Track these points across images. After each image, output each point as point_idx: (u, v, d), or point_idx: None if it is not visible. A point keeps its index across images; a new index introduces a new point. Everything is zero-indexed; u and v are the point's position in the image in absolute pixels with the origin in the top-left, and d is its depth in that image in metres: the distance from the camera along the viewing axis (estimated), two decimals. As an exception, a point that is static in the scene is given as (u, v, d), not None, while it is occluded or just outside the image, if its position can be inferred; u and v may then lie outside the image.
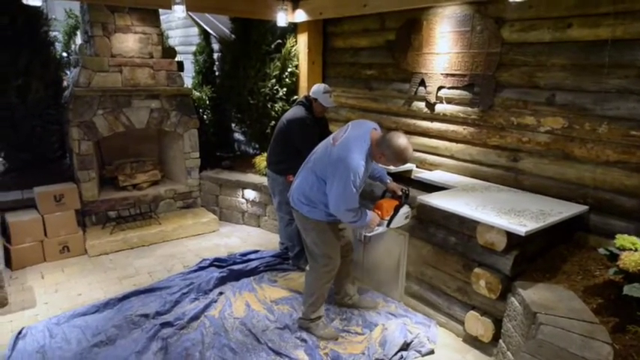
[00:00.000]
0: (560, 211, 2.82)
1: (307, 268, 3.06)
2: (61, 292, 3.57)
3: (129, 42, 4.49)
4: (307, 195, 2.79)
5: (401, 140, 2.54)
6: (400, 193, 2.94)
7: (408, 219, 2.97)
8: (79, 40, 6.02)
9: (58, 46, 5.72)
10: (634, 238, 2.36)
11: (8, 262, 3.88)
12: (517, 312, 2.49)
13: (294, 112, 3.71)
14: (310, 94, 3.71)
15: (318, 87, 3.68)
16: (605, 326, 2.14)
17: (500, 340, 2.68)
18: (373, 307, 3.35)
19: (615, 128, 2.80)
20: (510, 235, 2.58)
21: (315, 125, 3.69)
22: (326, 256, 2.90)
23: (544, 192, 3.19)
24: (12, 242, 3.90)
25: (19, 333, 2.94)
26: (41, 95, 4.49)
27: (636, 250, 2.29)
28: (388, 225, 2.87)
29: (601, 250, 2.46)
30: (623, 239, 2.37)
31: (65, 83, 5.07)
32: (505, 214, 2.72)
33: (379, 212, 2.83)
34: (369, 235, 2.93)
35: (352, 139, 2.63)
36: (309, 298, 3.03)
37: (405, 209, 2.89)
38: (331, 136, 2.82)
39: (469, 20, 3.51)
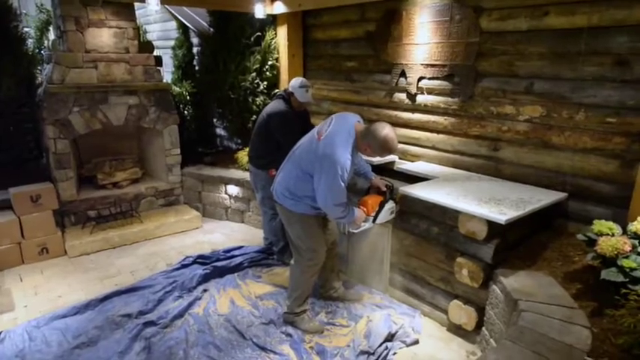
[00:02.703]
0: (540, 198, 2.86)
1: (292, 262, 3.04)
2: (41, 295, 3.50)
3: (103, 37, 4.38)
4: (291, 189, 2.77)
5: (386, 130, 2.54)
6: (384, 189, 2.95)
7: (394, 214, 3.00)
8: (51, 35, 5.86)
9: (30, 42, 5.56)
10: (611, 224, 2.40)
11: (-16, 266, 3.79)
12: (499, 300, 2.53)
13: (275, 105, 3.67)
14: (289, 87, 3.68)
15: (295, 81, 3.65)
16: (584, 311, 2.18)
17: (484, 328, 2.72)
18: (358, 299, 3.36)
19: (592, 115, 2.84)
20: (491, 224, 2.60)
21: (297, 118, 3.67)
22: (310, 250, 2.89)
23: (524, 180, 3.23)
24: (-13, 245, 3.80)
25: (-3, 337, 2.88)
26: (13, 93, 4.36)
27: (613, 235, 2.33)
28: (374, 221, 2.89)
29: (579, 236, 2.50)
30: (600, 225, 2.41)
31: (39, 80, 4.93)
32: (486, 203, 2.75)
33: (364, 209, 2.83)
34: (355, 231, 2.93)
35: (337, 134, 2.62)
36: (294, 292, 3.03)
37: (389, 204, 2.92)
38: (315, 130, 2.80)
39: (448, 10, 3.52)
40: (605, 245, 2.24)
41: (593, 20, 2.75)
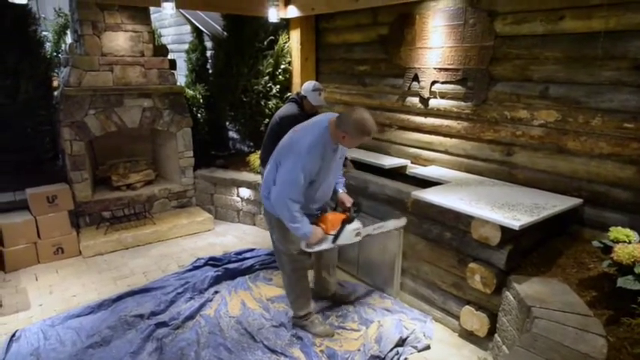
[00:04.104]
0: (555, 204, 2.83)
1: (279, 266, 3.05)
2: (56, 294, 3.55)
3: (119, 40, 4.45)
4: (270, 187, 2.68)
5: (359, 112, 2.49)
6: (348, 205, 2.79)
7: (360, 237, 2.72)
8: (69, 39, 5.97)
9: (48, 46, 5.67)
10: (628, 231, 2.36)
11: (1, 265, 3.86)
12: (512, 306, 2.50)
13: (287, 108, 3.69)
14: (301, 91, 3.70)
15: (308, 84, 3.68)
16: (599, 319, 2.15)
17: (496, 335, 2.69)
18: (350, 297, 3.36)
19: (609, 120, 2.80)
20: (504, 230, 2.58)
21: None
22: (288, 254, 2.86)
23: (538, 186, 3.19)
24: (5, 244, 3.87)
25: (13, 336, 2.93)
26: (31, 95, 4.44)
27: (630, 242, 2.29)
28: (334, 241, 2.65)
29: (595, 243, 2.46)
30: (617, 232, 2.37)
31: (56, 83, 5.02)
32: (499, 208, 2.72)
33: (323, 226, 2.64)
34: (311, 251, 2.70)
35: (311, 125, 2.63)
36: (289, 297, 3.07)
37: (355, 225, 2.67)
38: (297, 126, 2.77)
39: (462, 14, 3.50)
40: (621, 253, 2.20)
41: (610, 24, 2.71)
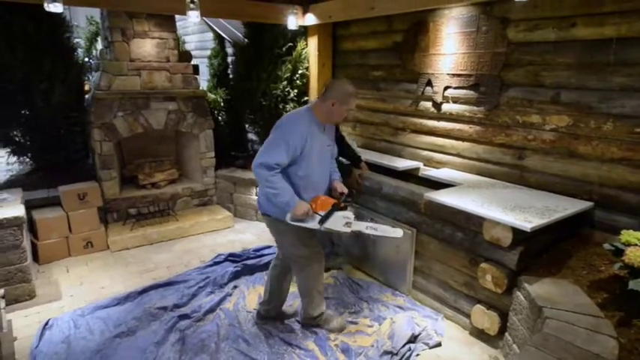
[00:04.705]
0: (566, 207, 2.77)
1: (293, 272, 2.88)
2: (85, 286, 3.62)
3: (147, 47, 4.52)
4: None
5: (337, 80, 2.54)
6: (340, 191, 2.70)
7: (349, 228, 2.54)
8: (99, 45, 6.09)
9: (80, 52, 5.78)
10: (639, 234, 2.30)
11: (36, 257, 3.95)
12: (523, 306, 2.46)
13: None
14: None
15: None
16: (610, 320, 2.10)
17: (506, 333, 2.65)
18: (293, 313, 3.13)
19: (620, 126, 2.74)
20: (516, 231, 2.54)
21: None
22: (304, 256, 2.73)
23: (549, 189, 3.14)
24: (39, 238, 3.96)
25: (46, 324, 3.00)
26: (64, 99, 4.54)
27: (641, 245, 2.23)
28: (322, 222, 2.49)
29: (606, 246, 2.41)
30: (628, 235, 2.32)
31: (87, 87, 5.12)
32: (511, 210, 2.68)
33: (313, 205, 2.52)
34: (294, 223, 2.50)
35: (295, 111, 2.66)
36: (305, 299, 2.91)
37: (345, 213, 2.54)
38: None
39: (475, 21, 3.47)
40: (633, 255, 2.15)
41: (622, 31, 2.65)
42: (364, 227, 2.60)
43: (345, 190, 2.72)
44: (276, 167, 2.40)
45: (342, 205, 2.56)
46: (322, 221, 2.48)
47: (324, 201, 2.55)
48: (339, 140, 3.82)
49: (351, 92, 2.49)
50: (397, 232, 2.63)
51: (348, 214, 2.54)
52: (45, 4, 3.05)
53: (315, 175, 2.61)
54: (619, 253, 2.28)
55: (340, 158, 3.56)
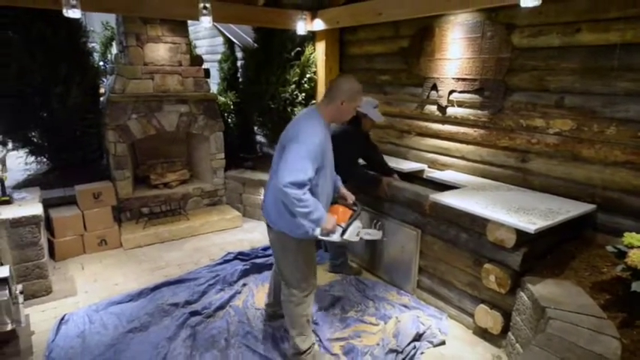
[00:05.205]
0: (569, 209, 2.76)
1: (282, 298, 2.57)
2: (100, 282, 3.65)
3: (160, 51, 4.55)
4: (281, 207, 2.31)
5: (339, 78, 2.39)
6: (351, 201, 2.61)
7: (359, 237, 2.49)
8: (114, 50, 6.14)
9: (96, 56, 5.84)
10: (642, 237, 2.28)
11: (52, 254, 3.99)
12: (526, 306, 2.45)
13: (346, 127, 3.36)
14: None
15: (368, 101, 3.33)
16: (613, 321, 2.08)
17: (510, 333, 2.64)
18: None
19: (624, 130, 2.71)
20: (520, 233, 2.53)
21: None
22: (305, 280, 2.48)
23: (553, 191, 3.12)
24: (55, 236, 4.00)
25: (62, 319, 3.02)
26: (80, 101, 4.58)
27: (644, 248, 2.21)
28: (342, 234, 2.38)
29: (609, 248, 2.39)
30: (631, 237, 2.29)
31: (102, 90, 5.17)
32: (515, 212, 2.67)
33: (335, 216, 2.40)
34: (321, 238, 2.36)
35: (300, 118, 2.40)
36: (294, 330, 2.54)
37: (358, 223, 2.47)
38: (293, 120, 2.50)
39: (480, 27, 3.45)
40: (636, 257, 2.13)
41: (626, 36, 2.63)
42: (364, 233, 2.57)
43: (353, 198, 2.67)
44: (308, 184, 2.16)
45: (357, 214, 2.50)
46: (343, 233, 2.40)
47: (344, 212, 2.48)
48: (373, 151, 3.75)
49: (359, 89, 2.38)
50: (378, 234, 2.71)
51: (358, 223, 2.48)
52: (64, 10, 3.09)
53: (327, 183, 2.43)
54: (622, 255, 2.26)
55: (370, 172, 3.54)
